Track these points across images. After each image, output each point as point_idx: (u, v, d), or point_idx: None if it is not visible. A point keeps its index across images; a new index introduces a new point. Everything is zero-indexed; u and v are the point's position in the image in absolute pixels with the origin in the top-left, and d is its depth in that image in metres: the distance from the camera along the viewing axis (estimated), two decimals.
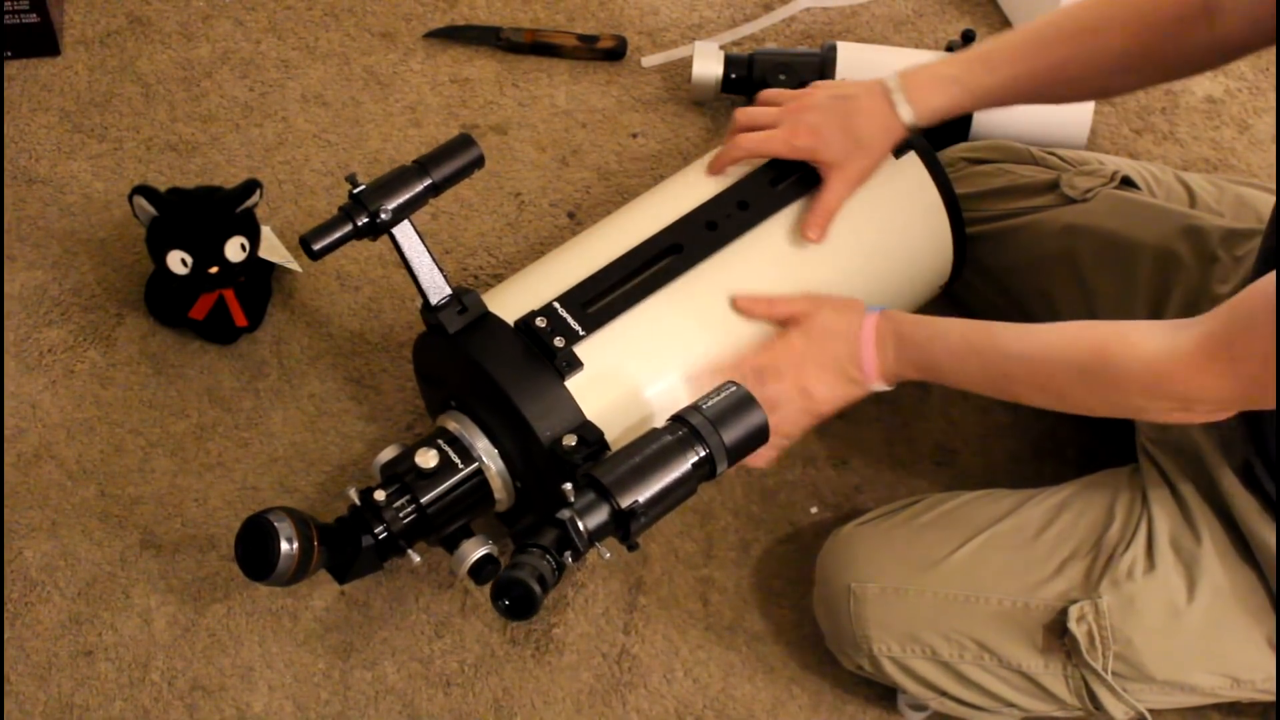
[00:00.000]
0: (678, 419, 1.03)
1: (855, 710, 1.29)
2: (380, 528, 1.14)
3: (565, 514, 0.99)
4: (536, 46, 1.70)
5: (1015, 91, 1.21)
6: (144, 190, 1.40)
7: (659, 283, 1.17)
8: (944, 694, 1.19)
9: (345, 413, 1.43)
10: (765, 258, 1.21)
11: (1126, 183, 1.36)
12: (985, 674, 1.17)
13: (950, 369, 1.14)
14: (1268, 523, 1.11)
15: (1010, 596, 1.15)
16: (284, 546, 1.07)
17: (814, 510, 1.38)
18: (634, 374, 1.15)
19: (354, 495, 1.15)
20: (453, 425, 1.17)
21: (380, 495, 1.13)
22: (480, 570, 1.17)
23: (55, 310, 1.49)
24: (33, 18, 1.63)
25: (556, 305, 1.14)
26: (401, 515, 1.14)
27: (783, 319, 1.19)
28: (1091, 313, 1.26)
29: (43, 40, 1.66)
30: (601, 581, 1.34)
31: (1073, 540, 1.16)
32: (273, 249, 1.47)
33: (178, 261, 1.40)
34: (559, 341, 1.12)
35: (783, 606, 1.33)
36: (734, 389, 1.05)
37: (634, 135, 1.64)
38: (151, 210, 1.40)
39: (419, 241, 1.13)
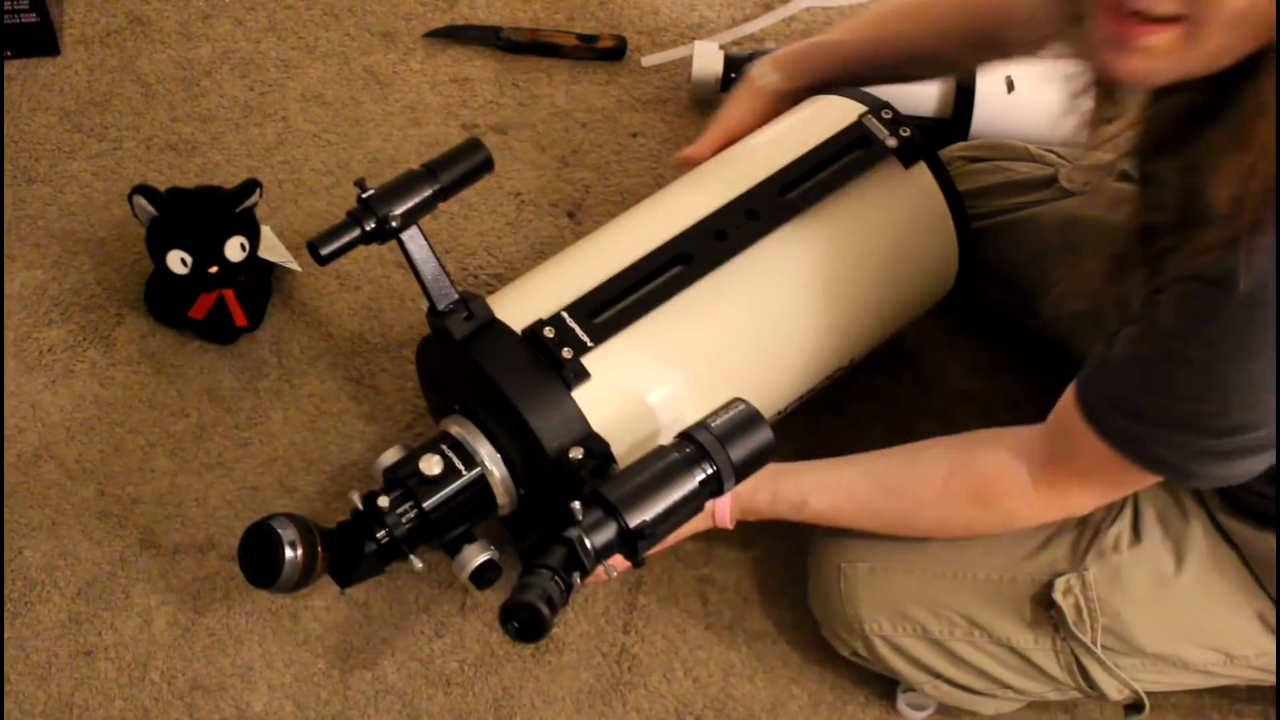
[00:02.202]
0: (685, 436, 1.03)
1: (855, 710, 1.29)
2: (383, 533, 1.13)
3: (573, 532, 0.98)
4: (536, 46, 1.70)
5: (867, 59, 1.28)
6: (144, 190, 1.41)
7: (667, 293, 1.15)
8: (938, 675, 1.20)
9: (345, 413, 1.43)
10: (774, 268, 1.20)
11: (1125, 177, 1.36)
12: (976, 651, 1.17)
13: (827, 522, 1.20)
14: (1246, 525, 1.12)
15: (997, 570, 1.16)
16: (288, 554, 1.06)
17: None
18: (641, 386, 1.14)
19: (357, 500, 1.15)
20: (456, 430, 1.17)
21: (384, 501, 1.13)
22: (481, 576, 1.17)
23: (55, 310, 1.49)
24: (32, 17, 1.63)
25: (565, 315, 1.13)
26: (404, 521, 1.13)
27: None
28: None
29: (43, 40, 1.66)
30: (601, 581, 1.34)
31: None
32: (272, 249, 1.47)
33: (178, 261, 1.40)
34: (567, 353, 1.11)
35: (782, 606, 1.33)
36: (742, 406, 1.03)
37: (634, 135, 1.64)
38: (151, 210, 1.40)
39: (427, 246, 1.13)
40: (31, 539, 1.35)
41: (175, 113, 1.64)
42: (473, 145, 1.14)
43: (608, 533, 0.99)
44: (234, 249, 1.41)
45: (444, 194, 1.12)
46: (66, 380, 1.44)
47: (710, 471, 1.01)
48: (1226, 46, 0.83)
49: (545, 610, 0.95)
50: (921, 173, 1.25)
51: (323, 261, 1.09)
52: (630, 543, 0.99)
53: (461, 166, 1.13)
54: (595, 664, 1.30)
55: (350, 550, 1.13)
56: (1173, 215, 0.90)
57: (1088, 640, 1.13)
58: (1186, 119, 0.89)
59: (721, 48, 1.65)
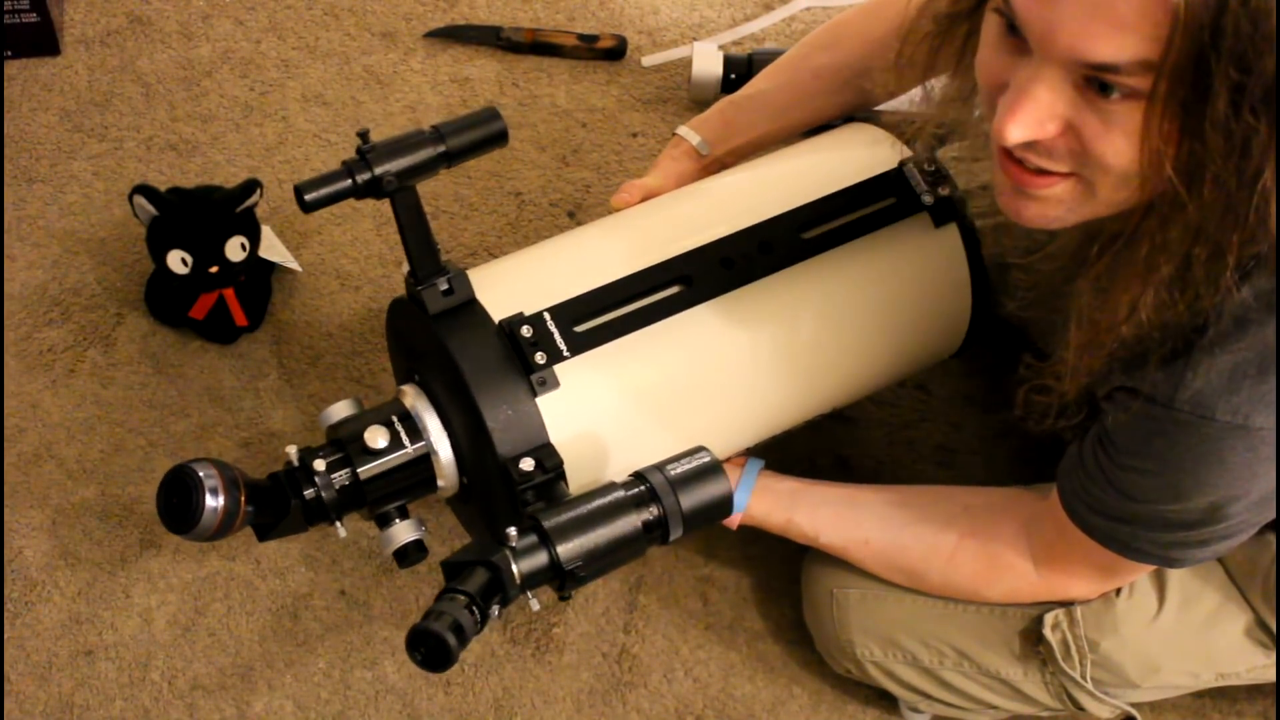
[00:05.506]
0: (638, 475, 0.98)
1: (855, 710, 1.29)
2: (311, 492, 1.07)
3: (500, 556, 0.94)
4: (536, 46, 1.70)
5: (795, 101, 1.24)
6: (144, 190, 1.41)
7: (658, 314, 1.09)
8: (928, 697, 1.20)
9: None
10: (778, 309, 1.12)
11: None
12: (965, 680, 1.18)
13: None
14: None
15: (987, 604, 1.16)
16: (208, 501, 1.01)
17: None
18: (609, 407, 1.09)
19: (293, 455, 1.08)
20: (410, 401, 1.11)
21: (320, 464, 1.07)
22: (405, 555, 1.12)
23: (55, 310, 1.49)
24: (33, 17, 1.63)
25: (546, 317, 1.07)
26: (337, 487, 1.07)
27: None
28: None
29: (43, 40, 1.66)
30: (602, 581, 1.34)
31: None
32: (273, 248, 1.47)
33: (178, 261, 1.40)
34: (540, 358, 1.05)
35: (783, 605, 1.33)
36: (704, 457, 0.99)
37: (634, 135, 1.64)
38: (151, 210, 1.40)
39: (419, 211, 1.06)
40: (31, 539, 1.35)
41: (176, 113, 1.64)
42: (488, 114, 1.06)
43: (538, 561, 0.94)
44: (234, 249, 1.41)
45: (449, 159, 1.04)
46: (67, 380, 1.44)
47: (655, 515, 0.96)
48: (1124, 198, 0.84)
49: (452, 641, 0.90)
50: (950, 234, 1.17)
51: (307, 208, 1.01)
52: (560, 576, 0.94)
53: (472, 134, 1.05)
54: (595, 664, 1.30)
55: (275, 505, 1.07)
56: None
57: (1076, 675, 1.14)
58: (1095, 240, 0.90)
59: (721, 48, 1.65)
